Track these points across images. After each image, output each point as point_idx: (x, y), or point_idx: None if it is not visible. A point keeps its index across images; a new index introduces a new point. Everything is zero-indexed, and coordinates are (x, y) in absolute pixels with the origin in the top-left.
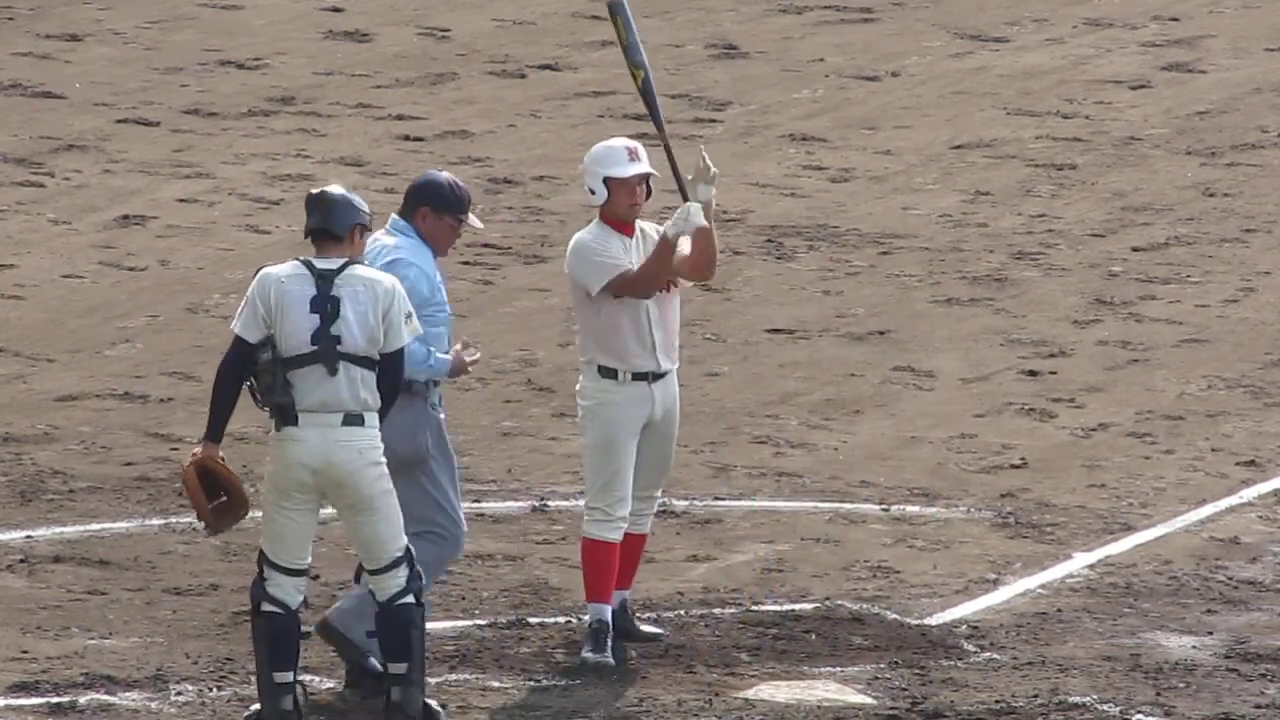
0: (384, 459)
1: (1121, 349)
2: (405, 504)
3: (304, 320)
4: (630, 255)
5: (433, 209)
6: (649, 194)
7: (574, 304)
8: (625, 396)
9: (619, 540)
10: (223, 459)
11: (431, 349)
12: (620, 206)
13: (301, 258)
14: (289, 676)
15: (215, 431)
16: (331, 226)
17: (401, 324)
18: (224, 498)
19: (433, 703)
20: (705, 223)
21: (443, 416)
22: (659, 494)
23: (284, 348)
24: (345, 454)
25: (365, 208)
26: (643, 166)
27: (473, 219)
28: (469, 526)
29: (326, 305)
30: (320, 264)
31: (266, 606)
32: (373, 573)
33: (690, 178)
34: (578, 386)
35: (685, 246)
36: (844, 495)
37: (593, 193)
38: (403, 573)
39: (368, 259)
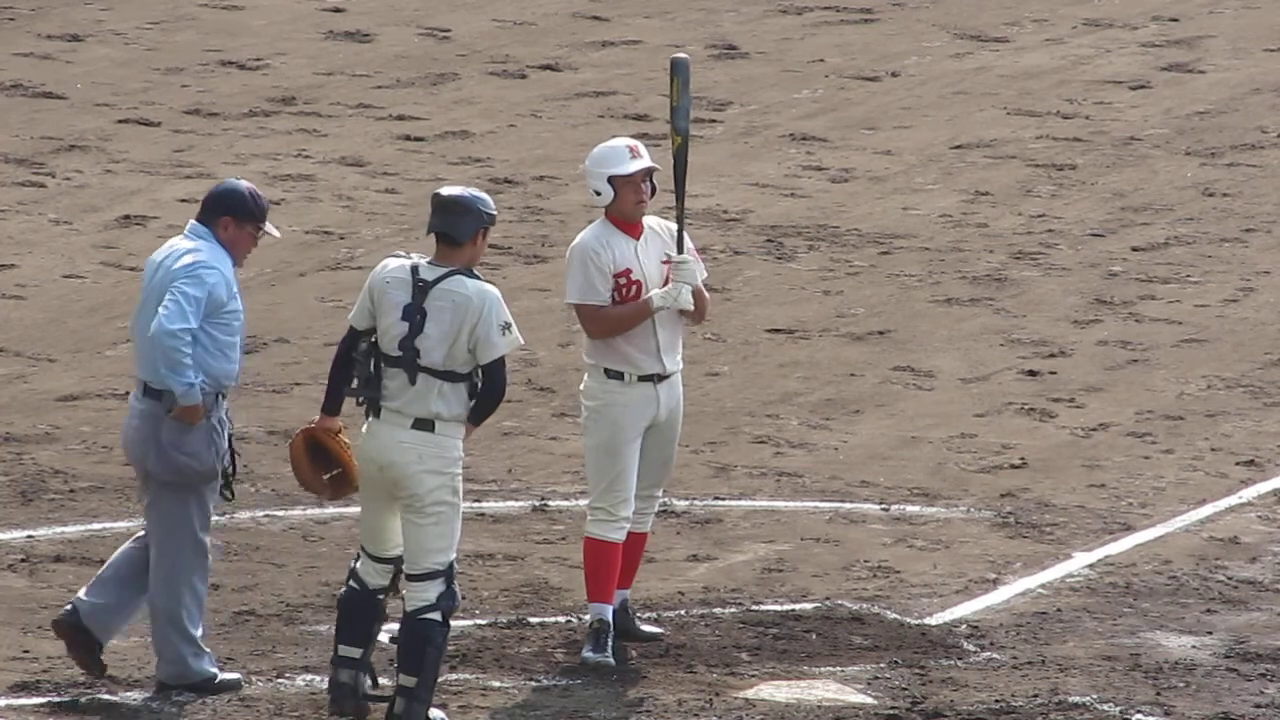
0: (452, 470)
1: (1121, 349)
2: (173, 525)
3: (395, 325)
4: (636, 257)
5: (235, 218)
6: (653, 191)
7: None
8: (631, 398)
9: (622, 540)
10: (339, 431)
11: (190, 368)
12: (626, 204)
13: (415, 260)
14: (355, 653)
15: (329, 405)
16: (453, 232)
17: (494, 336)
18: (338, 470)
19: (437, 712)
20: (692, 305)
21: (230, 430)
22: (660, 493)
23: (380, 344)
24: (405, 456)
25: (490, 207)
26: (645, 162)
27: (270, 227)
28: (470, 526)
29: (416, 315)
30: (425, 271)
31: (350, 580)
32: (409, 578)
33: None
34: (582, 386)
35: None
36: (844, 495)
37: (598, 194)
38: (435, 589)
39: (162, 259)
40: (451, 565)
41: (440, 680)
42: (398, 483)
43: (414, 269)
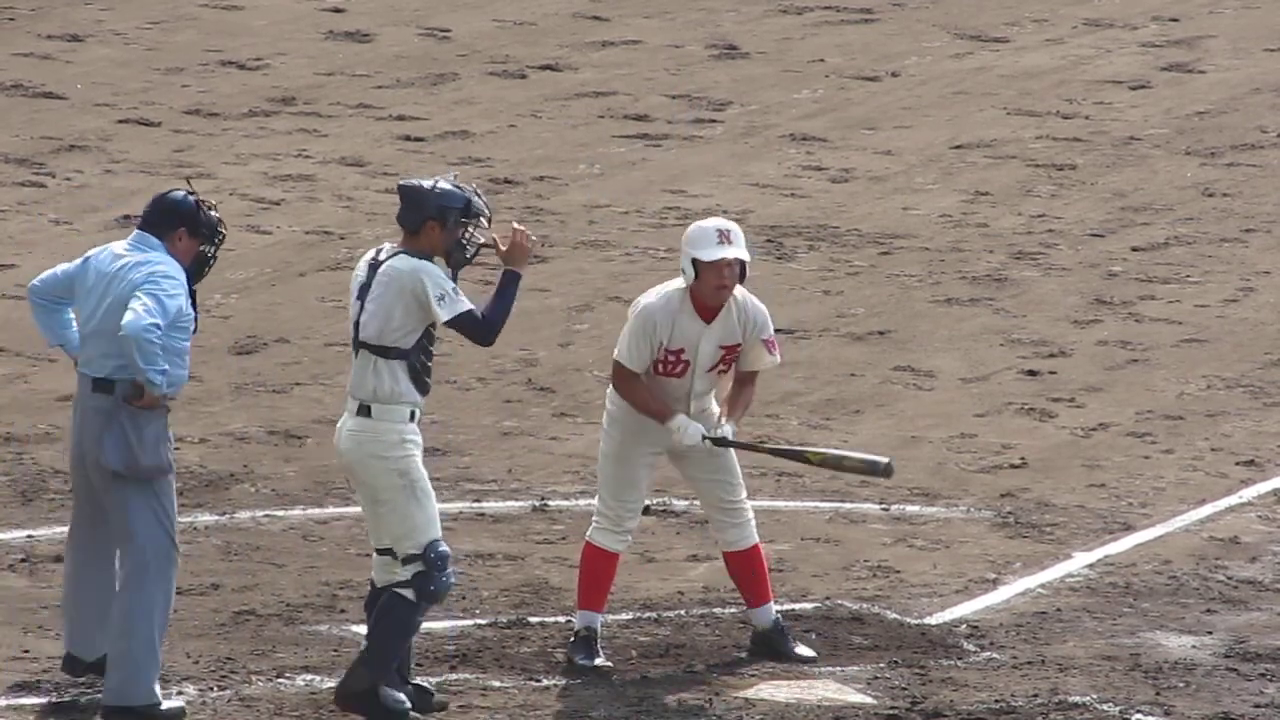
0: (395, 454)
1: (1121, 349)
2: (150, 517)
3: (354, 306)
4: (697, 339)
5: (189, 231)
6: (743, 275)
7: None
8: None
9: (621, 551)
10: None
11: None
12: (707, 288)
13: (382, 246)
14: None
15: None
16: (401, 220)
17: (433, 306)
18: None
19: (397, 694)
20: (695, 443)
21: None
22: (741, 501)
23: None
24: (348, 443)
25: (448, 200)
26: (733, 251)
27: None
28: (470, 526)
29: (366, 294)
30: (383, 253)
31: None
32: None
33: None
34: (609, 390)
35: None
36: (844, 495)
37: (683, 272)
38: (409, 570)
39: (113, 268)
40: (431, 549)
41: (440, 680)
42: (350, 469)
43: (376, 253)
